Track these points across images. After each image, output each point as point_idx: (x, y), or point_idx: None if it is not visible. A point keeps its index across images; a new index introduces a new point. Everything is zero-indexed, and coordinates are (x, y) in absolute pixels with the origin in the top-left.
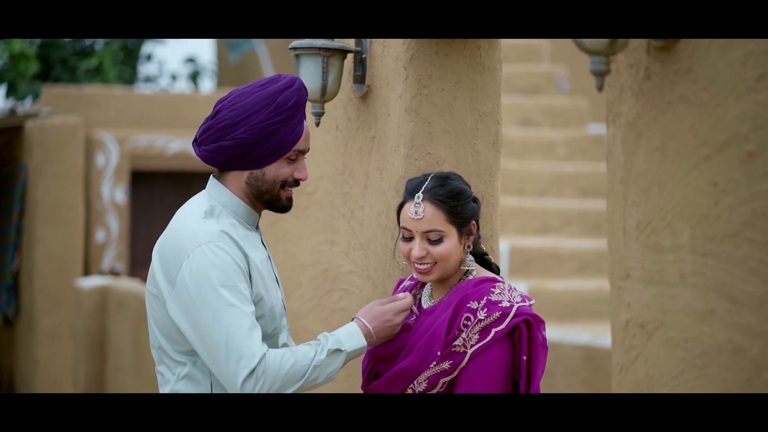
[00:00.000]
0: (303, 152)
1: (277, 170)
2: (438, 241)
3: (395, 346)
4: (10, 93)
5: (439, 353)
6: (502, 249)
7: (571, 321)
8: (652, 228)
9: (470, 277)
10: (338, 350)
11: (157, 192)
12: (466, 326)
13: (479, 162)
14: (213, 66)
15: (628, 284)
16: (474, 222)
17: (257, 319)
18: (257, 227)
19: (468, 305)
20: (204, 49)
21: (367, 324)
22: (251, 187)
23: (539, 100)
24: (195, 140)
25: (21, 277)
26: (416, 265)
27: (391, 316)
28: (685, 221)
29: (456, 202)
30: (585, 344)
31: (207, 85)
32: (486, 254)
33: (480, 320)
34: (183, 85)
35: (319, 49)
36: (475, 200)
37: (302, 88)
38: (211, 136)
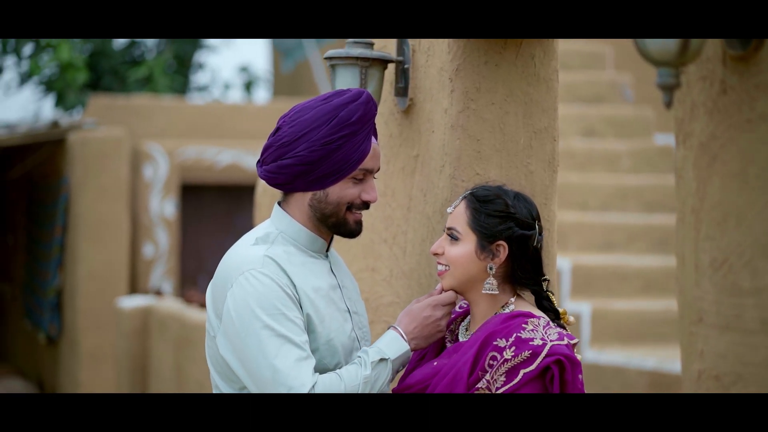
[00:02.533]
0: (371, 172)
1: (341, 191)
2: (454, 242)
3: (418, 388)
4: (58, 103)
5: None
6: (563, 267)
7: (636, 344)
8: (729, 266)
9: (506, 311)
10: (382, 360)
11: (207, 206)
12: (491, 366)
13: (533, 183)
14: (268, 75)
15: (700, 330)
16: (503, 244)
17: (312, 352)
18: (327, 254)
19: (494, 343)
20: (258, 57)
21: (404, 329)
22: (314, 209)
23: (603, 110)
24: (258, 160)
25: (64, 295)
26: (437, 263)
27: (429, 312)
28: None
29: (482, 207)
30: (652, 369)
31: (261, 95)
32: (545, 293)
33: (506, 360)
34: (237, 95)
35: (357, 59)
36: (523, 226)
37: (369, 102)
38: (271, 155)
